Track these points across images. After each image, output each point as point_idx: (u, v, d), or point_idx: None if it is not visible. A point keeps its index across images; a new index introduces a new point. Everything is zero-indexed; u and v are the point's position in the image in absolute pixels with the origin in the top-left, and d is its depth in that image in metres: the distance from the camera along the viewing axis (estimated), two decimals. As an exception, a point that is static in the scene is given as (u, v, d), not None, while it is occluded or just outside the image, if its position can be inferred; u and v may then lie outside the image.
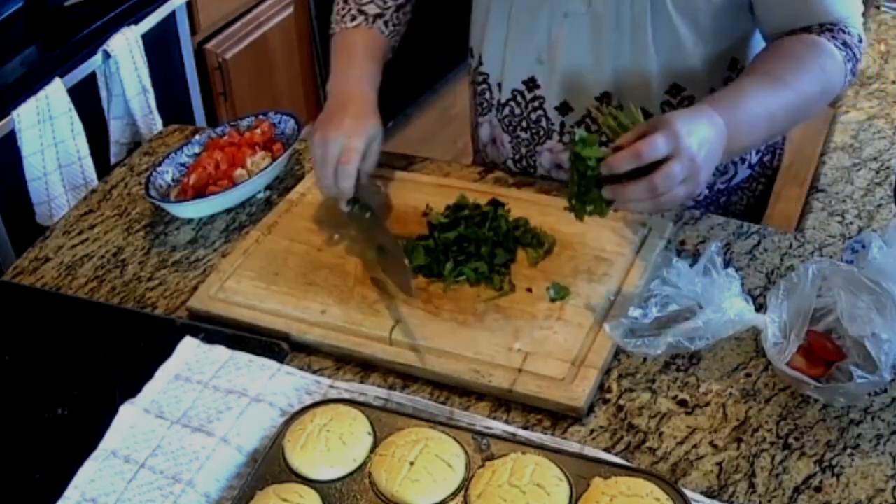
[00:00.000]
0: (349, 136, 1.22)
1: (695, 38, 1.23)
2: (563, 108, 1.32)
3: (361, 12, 1.36)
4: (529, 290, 1.14)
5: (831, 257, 1.17)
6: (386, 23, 1.37)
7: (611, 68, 1.26)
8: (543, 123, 1.35)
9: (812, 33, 1.19)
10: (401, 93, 3.35)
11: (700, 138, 1.03)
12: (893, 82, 1.56)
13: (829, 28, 1.19)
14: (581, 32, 1.25)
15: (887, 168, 1.34)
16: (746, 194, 1.43)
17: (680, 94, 1.28)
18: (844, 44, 1.18)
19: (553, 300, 1.12)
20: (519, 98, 1.36)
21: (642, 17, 1.21)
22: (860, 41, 1.21)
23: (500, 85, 1.37)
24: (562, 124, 1.34)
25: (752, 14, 1.24)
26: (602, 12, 1.22)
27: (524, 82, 1.34)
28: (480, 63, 1.40)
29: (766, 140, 1.26)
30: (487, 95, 1.41)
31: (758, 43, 1.29)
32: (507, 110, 1.38)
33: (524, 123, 1.37)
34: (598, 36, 1.24)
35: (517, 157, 1.41)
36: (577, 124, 1.32)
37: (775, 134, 1.25)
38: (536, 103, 1.34)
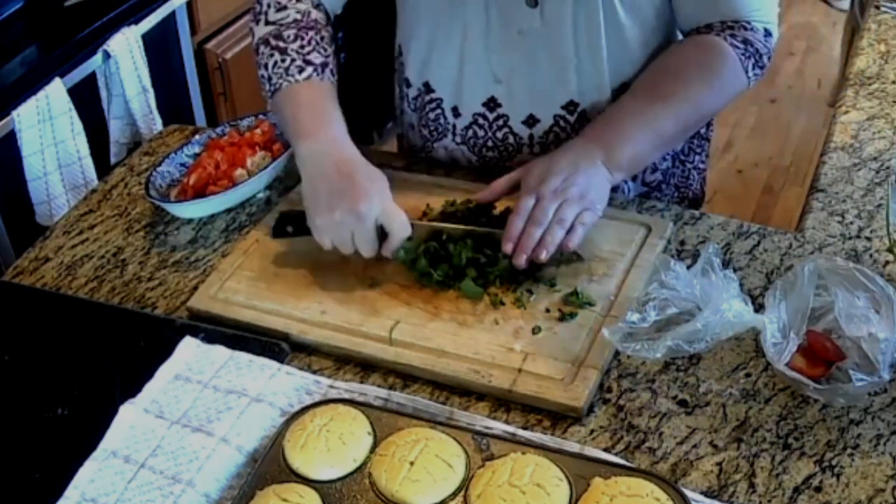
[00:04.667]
0: (381, 201, 1.13)
1: (640, 36, 1.25)
2: (530, 121, 1.32)
3: (308, 62, 1.23)
4: (530, 290, 1.14)
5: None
6: (332, 71, 1.26)
7: (572, 76, 1.26)
8: (511, 140, 1.34)
9: (712, 32, 1.22)
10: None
11: (566, 157, 1.15)
12: (893, 82, 1.56)
13: (731, 25, 1.22)
14: (537, 48, 1.24)
15: (887, 168, 1.34)
16: (687, 170, 1.46)
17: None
18: (745, 41, 1.21)
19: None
20: (481, 120, 1.34)
21: (594, 19, 1.21)
22: (767, 35, 1.23)
23: (455, 109, 1.35)
24: (530, 136, 1.33)
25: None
26: (556, 22, 1.21)
27: (484, 104, 1.32)
28: (430, 90, 1.37)
29: (662, 150, 1.29)
30: (442, 121, 1.38)
31: None
32: (469, 132, 1.36)
33: (490, 143, 1.36)
34: (556, 47, 1.23)
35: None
36: (546, 133, 1.32)
37: (671, 143, 1.28)
38: (500, 122, 1.33)
